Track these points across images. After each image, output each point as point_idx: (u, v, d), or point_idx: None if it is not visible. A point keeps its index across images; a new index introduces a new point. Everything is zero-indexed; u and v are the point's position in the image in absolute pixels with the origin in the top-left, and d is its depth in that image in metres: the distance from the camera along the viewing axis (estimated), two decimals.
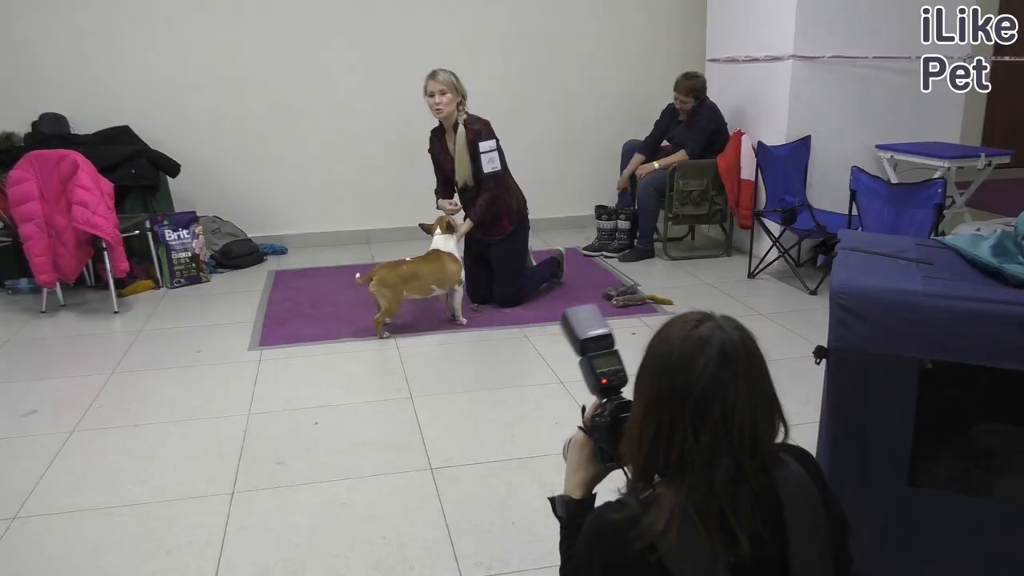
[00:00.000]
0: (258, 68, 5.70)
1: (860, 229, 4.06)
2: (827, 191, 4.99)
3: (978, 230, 4.48)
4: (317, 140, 5.93)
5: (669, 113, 5.58)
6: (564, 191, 6.35)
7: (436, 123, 4.41)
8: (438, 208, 4.44)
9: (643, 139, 5.66)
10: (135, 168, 5.12)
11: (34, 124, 5.33)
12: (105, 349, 4.04)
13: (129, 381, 3.65)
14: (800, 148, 5.00)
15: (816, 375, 1.95)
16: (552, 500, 1.49)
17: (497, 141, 4.26)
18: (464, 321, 4.24)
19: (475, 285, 4.48)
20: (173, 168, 5.38)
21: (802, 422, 2.95)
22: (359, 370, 3.74)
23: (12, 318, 4.55)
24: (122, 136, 5.44)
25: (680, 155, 5.34)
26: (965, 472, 1.93)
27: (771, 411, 1.28)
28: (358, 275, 4.05)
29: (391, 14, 5.81)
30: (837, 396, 1.87)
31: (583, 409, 1.50)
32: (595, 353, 1.47)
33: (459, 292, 4.23)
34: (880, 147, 5.05)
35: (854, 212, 4.16)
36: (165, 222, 5.07)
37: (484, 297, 4.50)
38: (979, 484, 1.92)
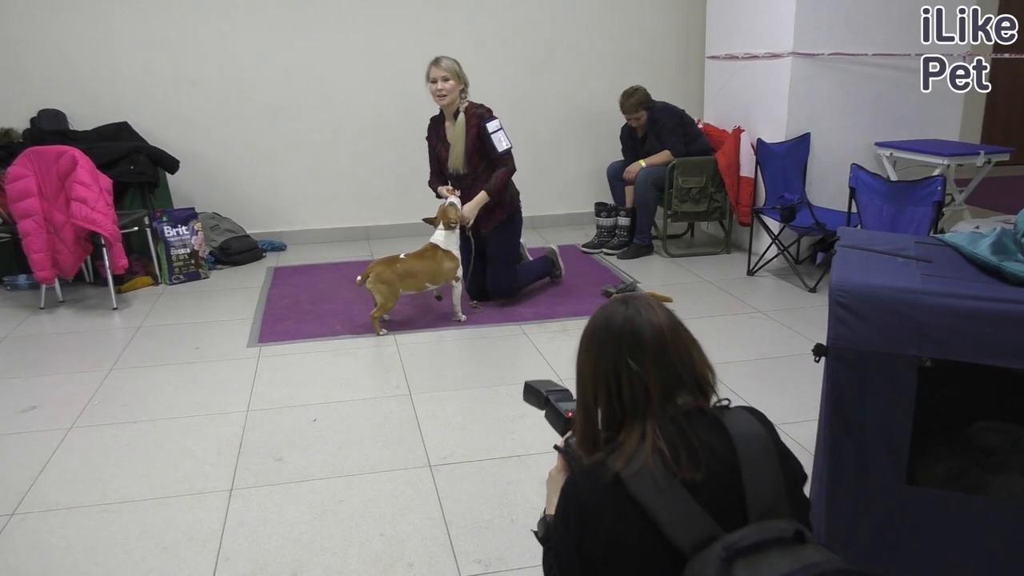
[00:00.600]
0: (257, 64, 5.70)
1: (859, 226, 4.06)
2: (826, 188, 4.99)
3: (977, 228, 4.48)
4: (316, 136, 5.92)
5: (627, 136, 5.61)
6: (563, 188, 6.35)
7: (436, 111, 4.42)
8: (437, 196, 4.43)
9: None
10: (134, 164, 5.12)
11: (33, 120, 5.34)
12: (104, 345, 4.04)
13: (128, 377, 3.65)
14: (799, 145, 5.00)
15: (815, 373, 1.95)
16: (535, 531, 1.56)
17: (499, 120, 4.28)
18: (463, 318, 4.24)
19: (469, 277, 4.48)
20: (172, 164, 5.37)
21: (801, 420, 2.98)
22: (358, 367, 3.74)
23: (11, 314, 4.55)
24: (121, 132, 5.43)
25: (665, 155, 5.33)
26: (963, 470, 1.93)
27: (700, 350, 1.40)
28: (359, 278, 4.06)
29: (390, 10, 5.80)
30: (836, 394, 1.87)
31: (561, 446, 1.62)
32: (556, 399, 1.71)
33: (457, 288, 4.23)
34: (879, 144, 5.05)
35: (853, 210, 4.16)
36: (164, 218, 5.07)
37: (479, 288, 4.49)
38: (977, 482, 1.92)
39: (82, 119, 5.45)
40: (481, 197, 4.24)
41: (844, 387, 1.86)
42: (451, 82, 4.16)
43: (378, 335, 4.06)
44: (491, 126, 4.21)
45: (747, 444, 1.32)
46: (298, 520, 2.51)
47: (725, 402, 1.41)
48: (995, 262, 1.88)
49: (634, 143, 5.57)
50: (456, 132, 4.24)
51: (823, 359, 1.89)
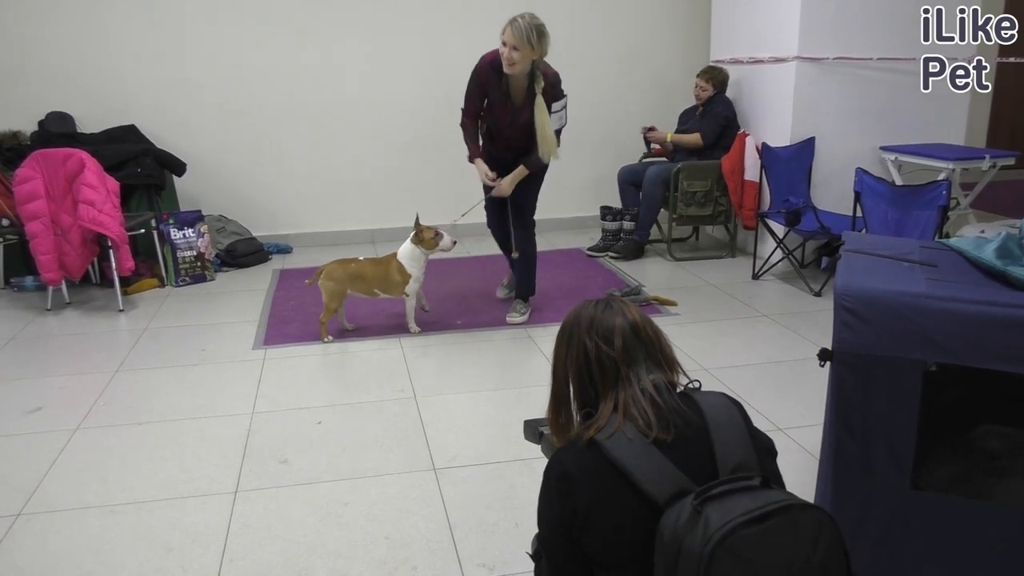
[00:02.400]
0: (264, 68, 5.72)
1: (864, 231, 4.06)
2: (831, 192, 4.99)
3: (982, 232, 4.48)
4: (323, 140, 5.94)
5: (687, 112, 5.70)
6: (568, 191, 6.33)
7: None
8: (471, 161, 4.12)
9: (642, 155, 5.80)
10: (141, 167, 5.14)
11: (41, 123, 5.37)
12: (110, 347, 4.05)
13: (133, 379, 3.66)
14: (804, 149, 5.00)
15: (820, 377, 1.95)
16: (528, 552, 1.59)
17: (566, 98, 3.94)
18: (416, 330, 4.14)
19: (498, 227, 4.36)
20: (179, 167, 5.39)
21: (806, 424, 2.98)
22: (363, 369, 3.75)
23: (18, 316, 4.57)
24: (128, 135, 5.46)
25: (695, 137, 5.38)
26: (967, 475, 1.93)
27: (667, 340, 1.51)
28: (310, 278, 4.10)
29: (398, 14, 5.82)
30: (841, 398, 1.87)
31: None
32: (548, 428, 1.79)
33: (409, 301, 4.10)
34: (884, 148, 5.04)
35: (858, 214, 4.16)
36: (170, 221, 5.09)
37: (505, 239, 4.32)
38: (981, 487, 1.92)
39: (90, 122, 5.47)
40: (520, 171, 3.99)
41: (849, 391, 1.86)
42: (519, 52, 3.63)
43: (323, 342, 4.02)
44: (556, 105, 3.86)
45: (715, 411, 1.41)
46: (303, 523, 2.51)
47: (696, 383, 1.49)
48: (1000, 267, 1.88)
49: (686, 120, 5.64)
50: (539, 114, 3.81)
51: (828, 363, 1.89)
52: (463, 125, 4.07)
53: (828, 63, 4.91)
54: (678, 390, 1.46)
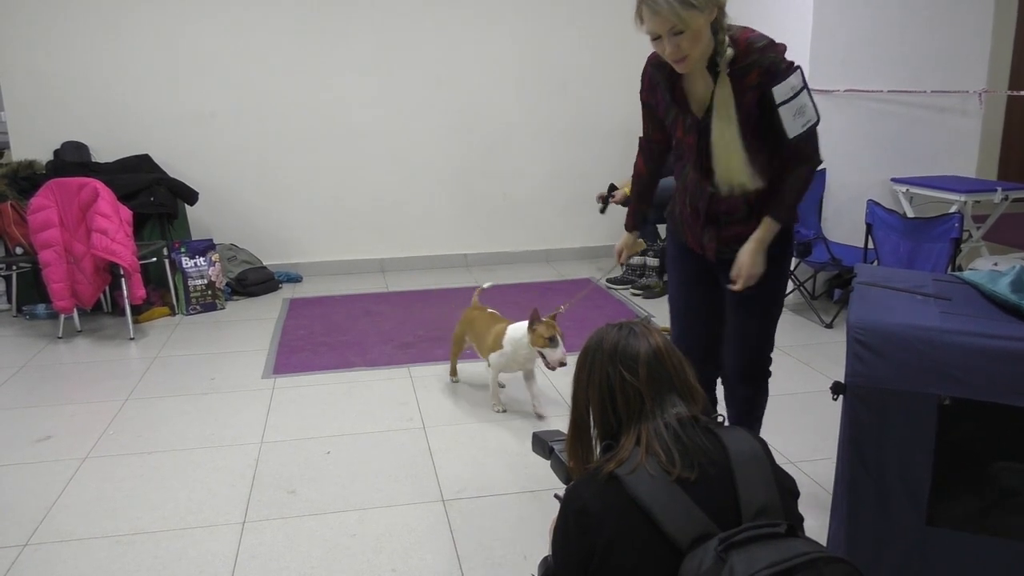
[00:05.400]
0: (275, 98, 5.78)
1: (876, 263, 4.05)
2: (842, 224, 4.98)
3: (995, 265, 4.46)
4: (333, 169, 5.98)
5: None
6: (580, 220, 6.35)
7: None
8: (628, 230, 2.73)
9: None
10: (154, 196, 5.18)
11: (56, 152, 5.43)
12: (120, 375, 4.06)
13: (143, 408, 3.66)
14: (815, 181, 4.99)
15: (833, 410, 1.94)
16: (533, 575, 1.60)
17: (801, 72, 2.13)
18: (498, 408, 3.57)
19: (693, 340, 2.49)
20: (191, 196, 5.44)
21: (819, 457, 2.95)
22: (372, 399, 3.74)
23: (29, 343, 4.58)
24: (142, 164, 5.51)
25: None
26: (984, 512, 1.90)
27: (692, 369, 1.49)
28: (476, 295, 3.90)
29: (406, 44, 5.88)
30: (854, 432, 1.85)
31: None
32: (561, 449, 1.79)
33: (491, 371, 3.55)
34: (896, 180, 5.04)
35: (870, 245, 4.15)
36: (182, 249, 5.12)
37: (703, 363, 2.42)
38: (998, 524, 1.89)
39: (104, 151, 5.53)
40: (767, 230, 2.25)
41: (863, 425, 1.84)
42: (686, 34, 2.03)
43: (451, 380, 3.94)
44: (779, 92, 2.10)
45: (740, 450, 1.37)
46: (310, 554, 2.49)
47: (720, 418, 1.48)
48: (1015, 300, 1.87)
49: None
50: (720, 105, 2.15)
51: (841, 396, 1.87)
52: (635, 165, 2.60)
53: (839, 95, 4.93)
54: (701, 423, 1.42)
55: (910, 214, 4.75)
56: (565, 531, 1.37)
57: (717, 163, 2.21)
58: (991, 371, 1.73)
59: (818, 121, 2.18)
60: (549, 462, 1.86)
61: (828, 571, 1.19)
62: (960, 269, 3.73)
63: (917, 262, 3.90)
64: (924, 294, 2.00)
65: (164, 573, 2.41)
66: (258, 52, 5.69)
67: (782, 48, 2.13)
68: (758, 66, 2.12)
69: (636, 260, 5.59)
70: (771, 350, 2.45)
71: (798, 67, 2.13)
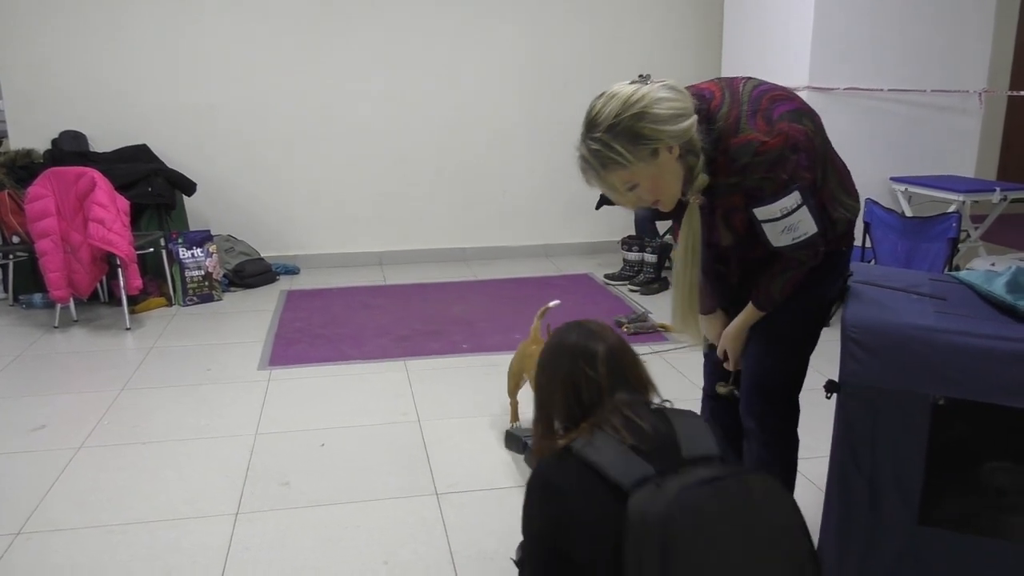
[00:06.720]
0: (275, 90, 5.77)
1: (873, 262, 4.05)
2: None
3: (993, 265, 4.46)
4: (332, 162, 5.97)
5: None
6: (581, 216, 6.35)
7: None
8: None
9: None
10: (152, 186, 5.17)
11: (54, 141, 5.41)
12: (116, 365, 4.06)
13: (138, 398, 3.66)
14: None
15: (826, 408, 1.93)
16: (513, 558, 1.70)
17: (807, 156, 1.81)
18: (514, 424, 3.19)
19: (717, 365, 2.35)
20: (189, 187, 5.43)
21: (812, 456, 2.95)
22: (367, 392, 3.73)
23: (25, 333, 4.58)
24: (140, 155, 5.50)
25: None
26: (977, 511, 1.90)
27: (643, 363, 1.64)
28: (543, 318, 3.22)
29: (408, 38, 5.87)
30: (847, 430, 1.85)
31: None
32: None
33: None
34: (894, 179, 5.04)
35: (867, 244, 4.15)
36: (179, 240, 5.11)
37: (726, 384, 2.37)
38: (990, 524, 1.89)
39: (102, 141, 5.52)
40: (751, 315, 2.10)
41: (856, 424, 1.84)
42: (642, 185, 1.82)
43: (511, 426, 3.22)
44: (765, 211, 1.86)
45: (685, 422, 1.52)
46: (303, 546, 2.49)
47: (668, 403, 1.59)
48: (1011, 301, 1.87)
49: None
50: (684, 239, 1.97)
51: (834, 395, 1.87)
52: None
53: (838, 93, 4.92)
54: (651, 405, 1.58)
55: (908, 213, 4.75)
56: (529, 507, 1.49)
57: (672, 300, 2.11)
58: (985, 371, 1.73)
59: (820, 232, 1.87)
60: (523, 456, 1.94)
61: (752, 480, 1.38)
62: (957, 269, 3.73)
63: (914, 261, 3.90)
64: (920, 293, 1.99)
65: (157, 563, 2.41)
66: (258, 44, 5.68)
67: (781, 143, 1.77)
68: (740, 189, 1.85)
69: (634, 256, 5.59)
70: (778, 383, 2.17)
71: (800, 184, 1.80)
